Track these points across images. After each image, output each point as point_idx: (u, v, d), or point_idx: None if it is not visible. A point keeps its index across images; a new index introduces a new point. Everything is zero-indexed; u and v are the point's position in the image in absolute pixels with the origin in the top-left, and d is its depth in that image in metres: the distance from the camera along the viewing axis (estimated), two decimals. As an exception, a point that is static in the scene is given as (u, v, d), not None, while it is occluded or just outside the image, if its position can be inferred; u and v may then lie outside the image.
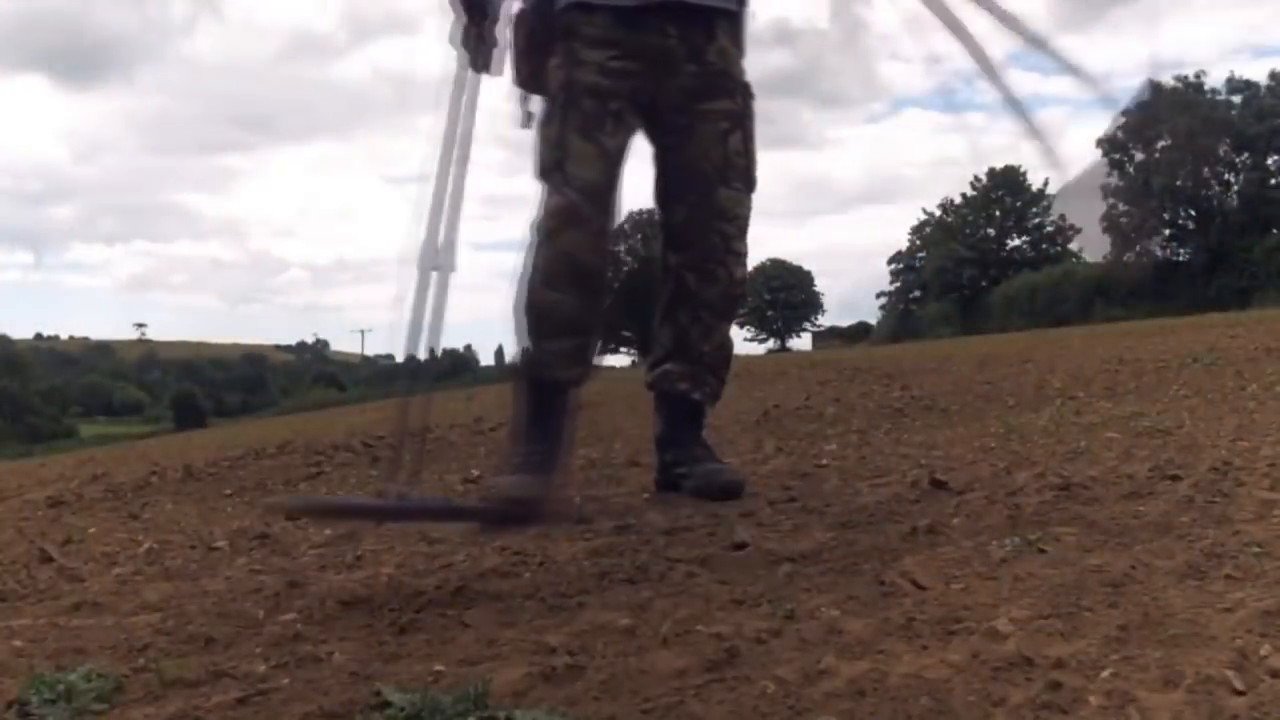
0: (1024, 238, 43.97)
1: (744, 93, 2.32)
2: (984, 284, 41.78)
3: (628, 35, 2.21)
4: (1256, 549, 1.48)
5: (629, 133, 2.26)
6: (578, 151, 2.19)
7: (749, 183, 2.32)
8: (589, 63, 2.20)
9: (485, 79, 2.23)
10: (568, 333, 2.23)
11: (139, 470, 4.30)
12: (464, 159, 2.13)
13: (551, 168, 2.21)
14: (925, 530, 1.78)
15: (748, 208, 2.34)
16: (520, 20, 2.31)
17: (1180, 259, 36.06)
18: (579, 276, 2.21)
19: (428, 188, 2.09)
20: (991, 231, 44.12)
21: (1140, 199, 35.40)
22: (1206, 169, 35.53)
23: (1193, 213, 35.62)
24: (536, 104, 2.32)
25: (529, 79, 2.33)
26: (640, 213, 53.92)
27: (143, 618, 1.58)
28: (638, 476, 2.73)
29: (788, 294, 54.60)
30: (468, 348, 56.90)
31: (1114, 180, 36.28)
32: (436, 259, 2.07)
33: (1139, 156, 36.57)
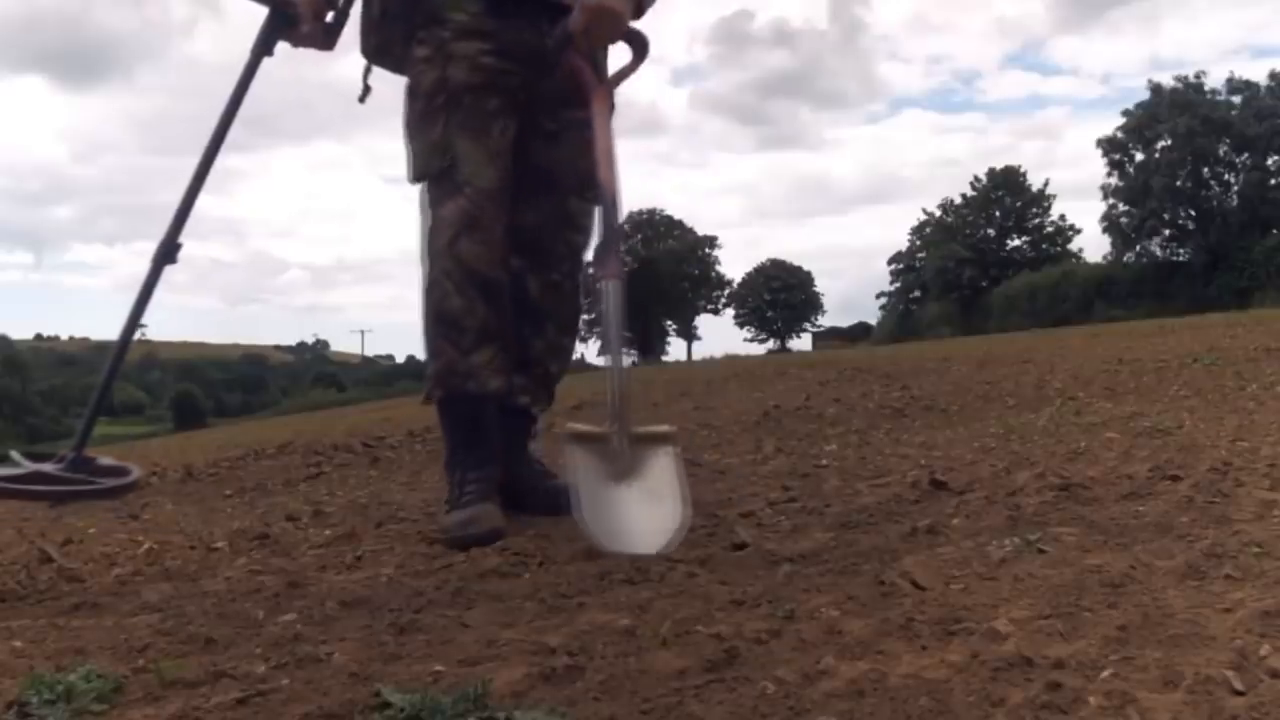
0: (1024, 238, 44.00)
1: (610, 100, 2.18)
2: (984, 284, 41.81)
3: (500, 28, 2.11)
4: (1256, 549, 1.48)
5: (513, 128, 2.15)
6: (467, 154, 2.10)
7: (597, 192, 2.15)
8: (461, 57, 2.10)
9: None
10: (486, 340, 2.12)
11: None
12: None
13: (439, 174, 2.11)
14: (925, 530, 1.78)
15: (594, 219, 2.23)
16: None
17: (1180, 259, 36.07)
18: (485, 284, 2.11)
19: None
20: (991, 231, 44.14)
21: (1140, 199, 35.41)
22: (1206, 169, 35.53)
23: (1193, 213, 35.62)
24: (377, 78, 2.25)
25: (376, 51, 2.23)
26: (640, 213, 53.97)
27: (143, 618, 1.57)
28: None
29: (788, 294, 54.64)
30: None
31: (1114, 180, 36.33)
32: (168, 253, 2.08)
33: (1139, 156, 36.58)
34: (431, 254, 2.12)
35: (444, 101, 2.10)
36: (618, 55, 2.20)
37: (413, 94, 2.16)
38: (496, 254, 2.14)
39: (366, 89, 2.27)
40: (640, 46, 2.13)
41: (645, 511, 1.83)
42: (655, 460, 1.89)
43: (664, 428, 1.96)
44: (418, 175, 2.16)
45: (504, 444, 2.29)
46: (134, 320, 2.11)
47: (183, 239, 2.12)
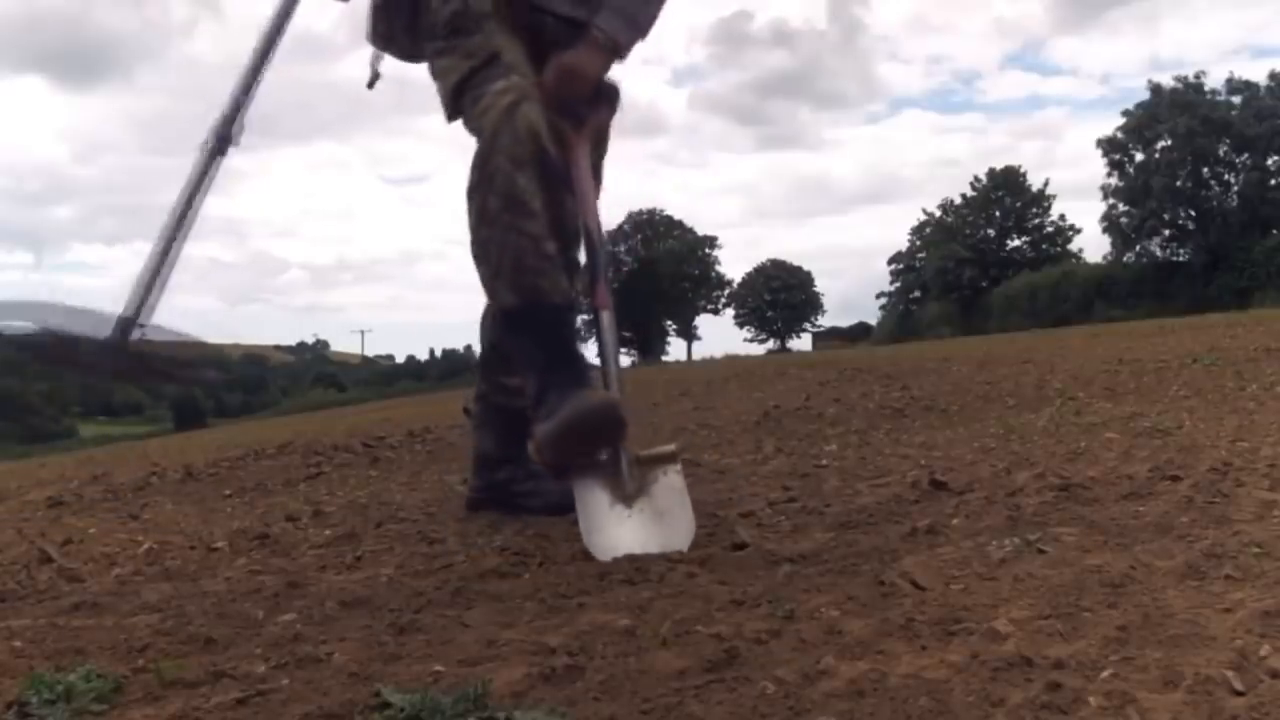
0: (1024, 238, 44.01)
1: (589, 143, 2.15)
2: (984, 284, 41.83)
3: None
4: (1256, 549, 1.48)
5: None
6: (507, 47, 2.00)
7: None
8: None
9: None
10: (553, 232, 1.93)
11: (139, 470, 4.31)
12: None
13: (485, 63, 1.98)
14: (925, 530, 1.78)
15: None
16: None
17: (1180, 259, 36.08)
18: (547, 166, 1.92)
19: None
20: (991, 232, 44.16)
21: (1140, 199, 35.42)
22: (1206, 169, 35.54)
23: (1193, 213, 35.63)
24: (386, 65, 2.21)
25: (383, 37, 2.20)
26: (640, 213, 53.93)
27: (142, 618, 1.57)
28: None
29: (788, 294, 54.67)
30: (467, 348, 56.93)
31: (1114, 180, 36.35)
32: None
33: (1139, 156, 36.59)
34: (489, 132, 1.92)
35: (476, 18, 2.02)
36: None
37: (432, 31, 2.09)
38: (555, 135, 1.98)
39: (376, 75, 2.24)
40: (610, 99, 2.14)
41: (656, 531, 1.83)
42: (661, 480, 1.88)
43: (667, 448, 1.95)
44: (460, 79, 2.01)
45: (497, 447, 2.28)
46: (187, 206, 2.08)
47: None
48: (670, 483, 1.88)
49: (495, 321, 2.16)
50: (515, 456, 2.30)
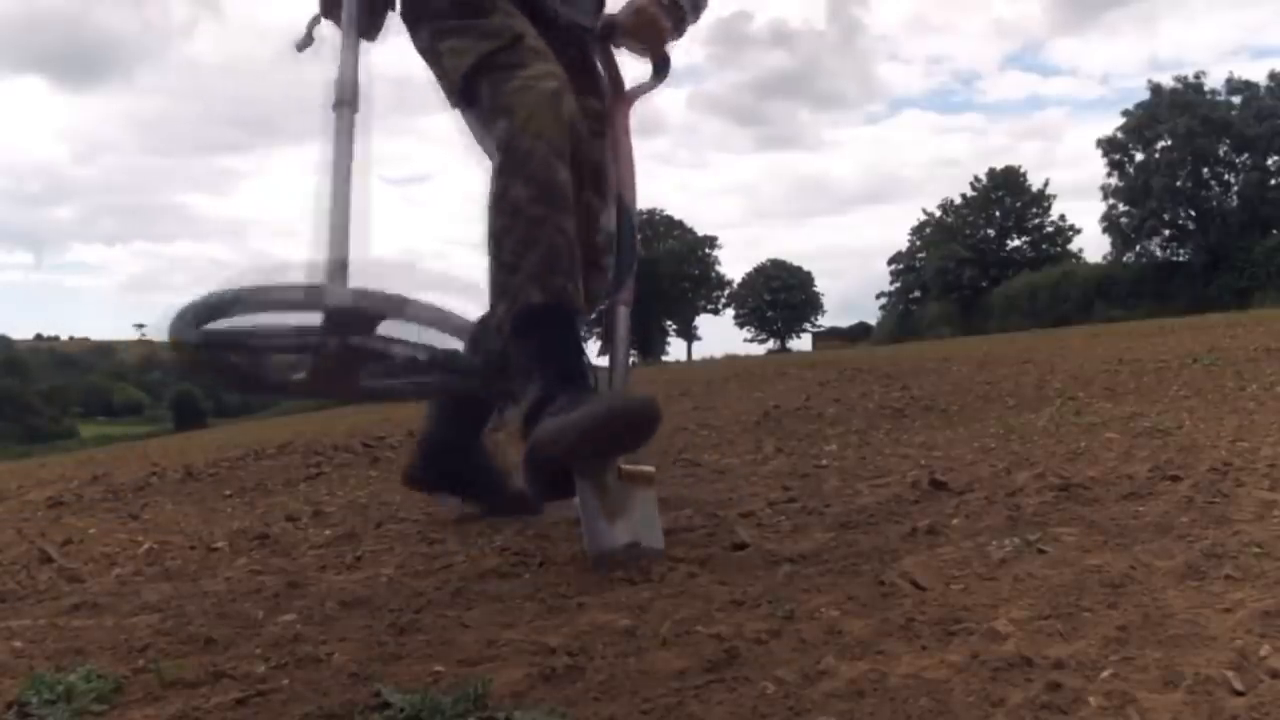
0: (1024, 238, 44.03)
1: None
2: (984, 284, 41.86)
3: None
4: (1256, 549, 1.48)
5: None
6: (530, 31, 1.87)
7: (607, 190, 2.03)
8: None
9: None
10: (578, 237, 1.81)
11: (139, 471, 4.30)
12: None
13: (507, 45, 1.83)
14: (925, 530, 1.78)
15: (613, 220, 2.05)
16: None
17: (1180, 259, 36.09)
18: (562, 177, 1.77)
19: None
20: (991, 232, 44.18)
21: (1140, 199, 35.43)
22: (1206, 169, 35.54)
23: (1193, 213, 35.64)
24: (327, 30, 2.00)
25: (335, 5, 1.97)
26: (640, 213, 54.17)
27: (143, 618, 1.57)
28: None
29: (788, 294, 54.70)
30: (467, 348, 56.79)
31: (1114, 180, 36.36)
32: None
33: (1139, 157, 36.60)
34: (526, 114, 1.76)
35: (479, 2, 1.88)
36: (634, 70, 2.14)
37: (428, 9, 1.94)
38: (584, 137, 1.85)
39: (309, 40, 2.05)
40: (663, 67, 2.11)
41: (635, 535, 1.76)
42: (638, 496, 1.77)
43: (646, 469, 1.81)
44: (479, 60, 1.83)
45: (467, 433, 2.20)
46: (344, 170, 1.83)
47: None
48: (646, 498, 1.79)
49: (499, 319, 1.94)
50: (471, 448, 2.24)
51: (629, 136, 2.05)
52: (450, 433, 2.26)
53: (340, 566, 1.91)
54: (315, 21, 2.05)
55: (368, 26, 1.96)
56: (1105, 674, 1.08)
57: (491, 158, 1.82)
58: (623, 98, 2.10)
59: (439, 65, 1.92)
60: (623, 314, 1.95)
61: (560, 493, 1.77)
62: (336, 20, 2.01)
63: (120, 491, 3.52)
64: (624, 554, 1.70)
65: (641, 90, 2.13)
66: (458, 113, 1.95)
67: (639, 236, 2.09)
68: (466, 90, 1.87)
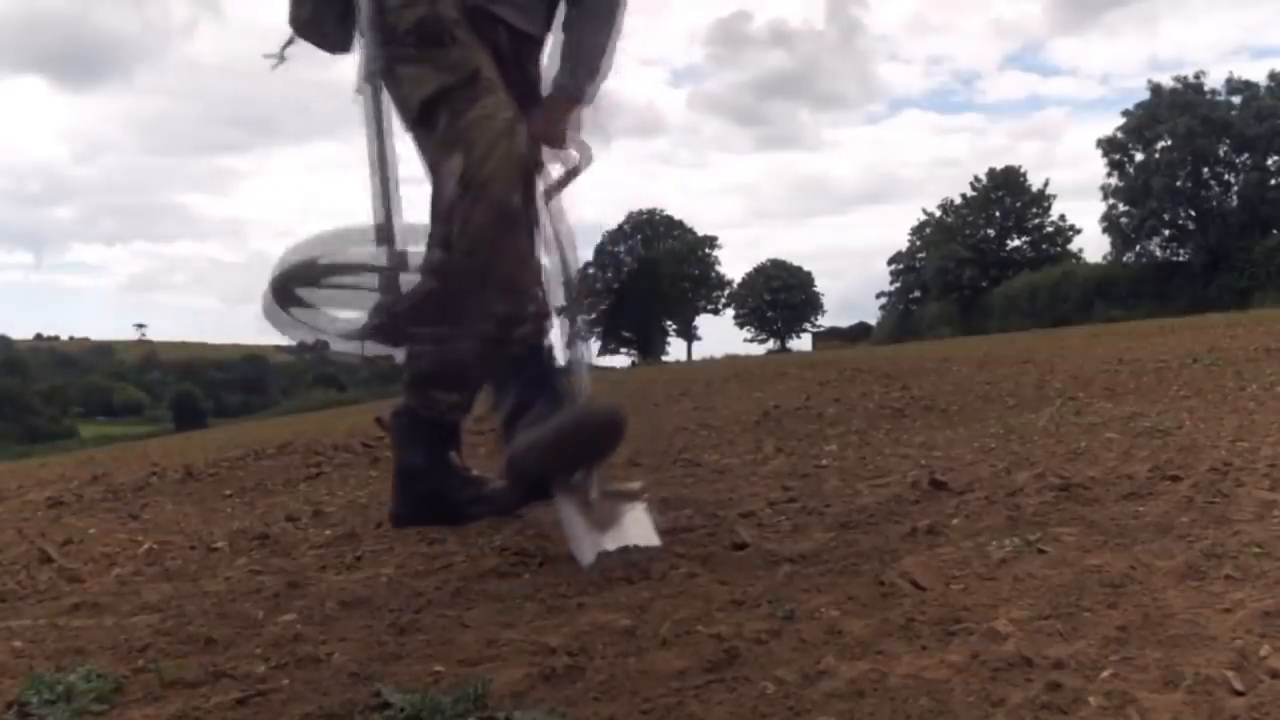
0: (1024, 238, 44.02)
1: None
2: (984, 284, 41.84)
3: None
4: (1256, 549, 1.48)
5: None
6: (487, 64, 1.95)
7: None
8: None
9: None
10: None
11: (139, 471, 4.31)
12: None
13: (465, 81, 1.92)
14: (925, 530, 1.78)
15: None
16: None
17: (1180, 259, 36.09)
18: (530, 194, 1.96)
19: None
20: (991, 232, 44.16)
21: (1140, 199, 35.44)
22: (1206, 169, 35.55)
23: (1193, 213, 35.64)
24: (299, 49, 2.14)
25: (308, 24, 2.11)
26: (640, 213, 53.90)
27: (143, 618, 1.58)
28: (639, 477, 2.73)
29: (788, 294, 54.67)
30: (467, 348, 56.75)
31: (1114, 180, 36.38)
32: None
33: (1139, 157, 36.60)
34: (484, 146, 1.89)
35: (445, 29, 1.94)
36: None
37: (391, 34, 1.98)
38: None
39: (281, 59, 2.16)
40: (579, 163, 2.11)
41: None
42: (630, 514, 1.86)
43: (633, 485, 1.96)
44: (436, 92, 1.93)
45: (434, 453, 2.19)
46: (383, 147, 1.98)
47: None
48: (637, 517, 1.85)
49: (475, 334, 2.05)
50: (445, 468, 2.22)
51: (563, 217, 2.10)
52: (418, 457, 2.22)
53: (340, 566, 1.91)
54: (290, 42, 2.18)
55: (342, 38, 2.10)
56: (1105, 674, 1.08)
57: (438, 176, 1.96)
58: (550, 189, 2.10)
59: (397, 89, 2.01)
60: (580, 325, 2.06)
61: (543, 495, 1.97)
62: (312, 40, 2.16)
63: (120, 491, 3.52)
64: (617, 558, 1.71)
65: (560, 185, 2.11)
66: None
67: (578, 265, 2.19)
68: (423, 116, 1.98)
